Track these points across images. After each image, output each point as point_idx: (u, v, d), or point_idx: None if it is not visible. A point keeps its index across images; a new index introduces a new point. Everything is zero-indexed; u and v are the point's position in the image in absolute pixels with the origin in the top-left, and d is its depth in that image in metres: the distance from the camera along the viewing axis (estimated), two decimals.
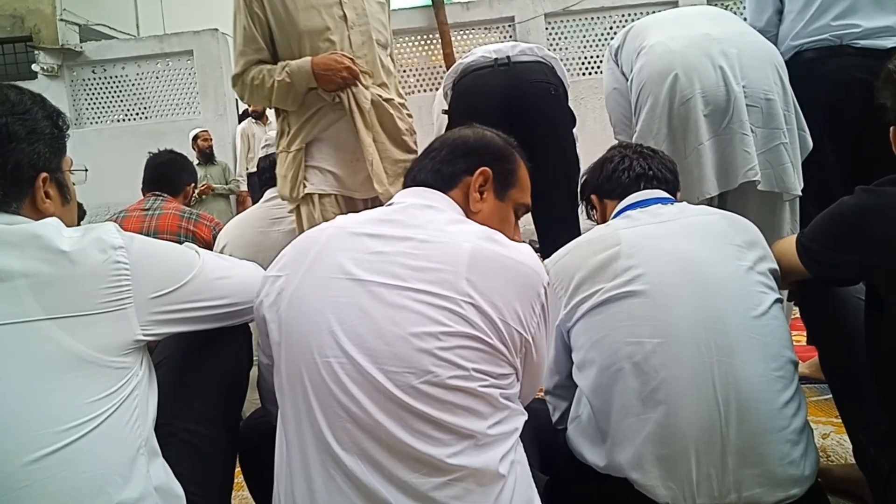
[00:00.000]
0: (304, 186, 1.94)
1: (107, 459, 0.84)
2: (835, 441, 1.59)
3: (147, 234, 2.20)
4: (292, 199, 1.96)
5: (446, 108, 2.27)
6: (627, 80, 1.99)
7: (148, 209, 2.39)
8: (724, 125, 1.79)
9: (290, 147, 1.95)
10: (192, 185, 2.70)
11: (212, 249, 2.35)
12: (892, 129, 1.11)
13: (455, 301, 0.91)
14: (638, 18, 5.81)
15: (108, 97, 6.68)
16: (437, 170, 1.09)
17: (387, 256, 0.94)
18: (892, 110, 1.09)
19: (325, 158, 1.96)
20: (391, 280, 0.92)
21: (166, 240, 2.23)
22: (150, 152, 2.63)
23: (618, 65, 2.08)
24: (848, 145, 1.88)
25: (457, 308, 0.91)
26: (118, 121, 6.68)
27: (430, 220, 1.00)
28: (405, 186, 1.11)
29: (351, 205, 2.02)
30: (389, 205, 1.07)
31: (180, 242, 2.27)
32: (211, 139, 5.96)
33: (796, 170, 1.84)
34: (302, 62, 1.86)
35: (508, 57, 2.13)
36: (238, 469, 1.21)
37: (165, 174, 2.55)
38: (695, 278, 1.08)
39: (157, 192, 2.47)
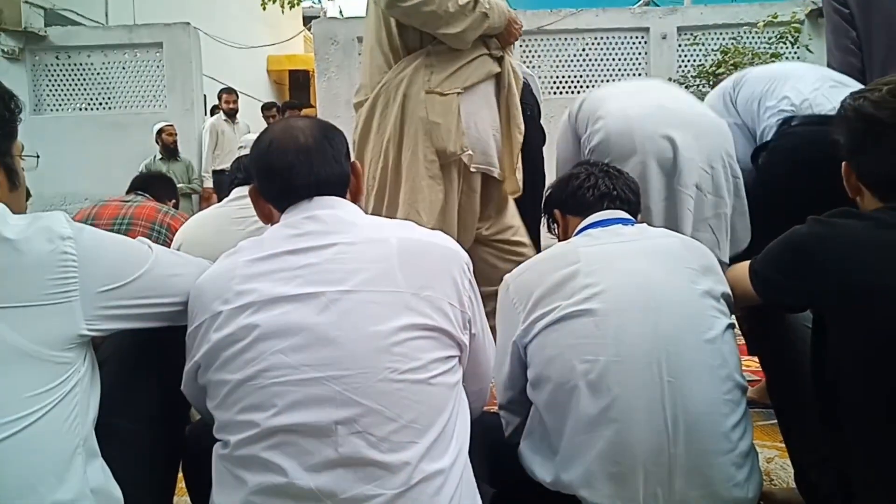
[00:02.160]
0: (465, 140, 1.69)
1: (41, 458, 0.81)
2: (778, 465, 1.63)
3: (122, 219, 2.31)
4: (448, 156, 1.69)
5: None
6: (581, 139, 1.98)
7: (128, 201, 2.47)
8: (672, 186, 1.84)
9: (443, 88, 1.69)
10: (173, 201, 2.77)
11: None
12: (843, 164, 1.15)
13: (396, 294, 0.93)
14: (610, 42, 5.96)
15: (71, 85, 6.51)
16: (337, 174, 1.07)
17: (318, 266, 0.94)
18: (845, 146, 1.13)
19: (472, 116, 1.76)
20: (329, 287, 0.92)
21: (141, 226, 2.31)
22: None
23: (573, 128, 2.05)
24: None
25: (399, 300, 0.93)
26: (80, 109, 6.51)
27: (347, 223, 1.01)
28: (292, 198, 1.04)
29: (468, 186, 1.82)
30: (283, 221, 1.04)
31: (153, 230, 2.33)
32: (176, 134, 5.84)
33: (728, 239, 1.92)
34: (501, 3, 1.75)
35: None
36: (180, 474, 1.18)
37: (152, 184, 2.67)
38: (650, 299, 1.09)
39: (139, 192, 2.56)
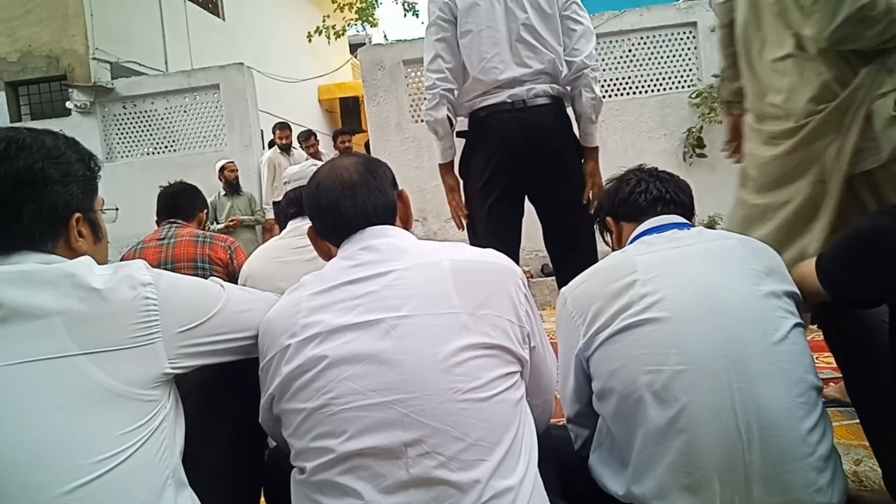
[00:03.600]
0: None
1: (137, 490, 0.86)
2: (868, 466, 1.55)
3: (165, 264, 2.30)
4: None
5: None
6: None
7: (163, 238, 2.44)
8: None
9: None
10: (205, 211, 2.74)
11: (230, 268, 2.41)
12: None
13: (453, 315, 0.95)
14: (656, 40, 5.85)
15: (138, 131, 6.87)
16: (383, 204, 1.10)
17: (376, 294, 0.97)
18: None
19: None
20: (388, 314, 0.95)
21: (184, 267, 2.34)
22: (160, 186, 2.68)
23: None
24: None
25: (457, 322, 0.95)
26: (148, 154, 6.85)
27: (401, 249, 1.04)
28: (343, 232, 1.09)
29: None
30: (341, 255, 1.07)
31: (197, 267, 2.35)
32: (237, 170, 6.07)
33: None
34: None
35: (524, 101, 2.14)
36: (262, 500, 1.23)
37: (178, 203, 2.60)
38: (712, 304, 1.07)
39: (171, 220, 2.53)
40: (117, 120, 6.88)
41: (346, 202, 1.08)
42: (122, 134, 6.88)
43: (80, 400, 0.85)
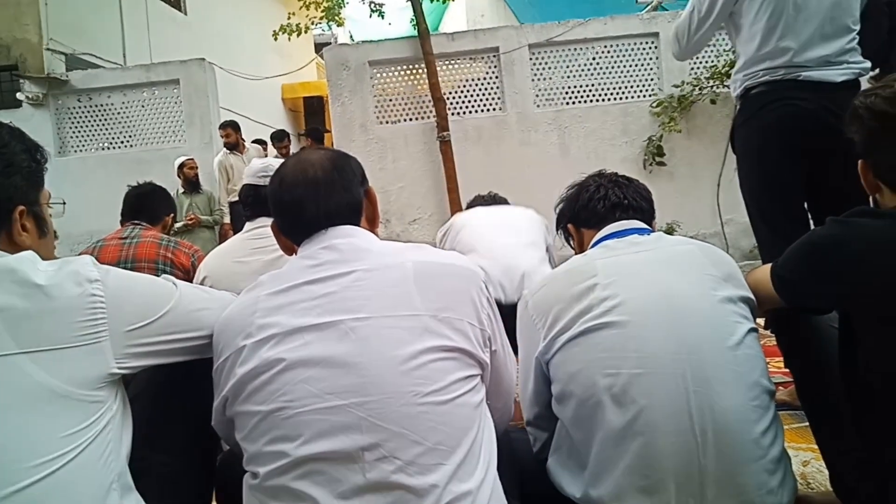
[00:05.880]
0: None
1: (79, 495, 0.83)
2: (815, 468, 1.60)
3: (125, 262, 2.23)
4: None
5: None
6: None
7: (126, 238, 2.38)
8: None
9: None
10: (171, 215, 2.68)
11: (191, 276, 2.35)
12: (860, 162, 1.14)
13: (415, 317, 0.94)
14: (620, 49, 5.95)
15: (93, 126, 6.66)
16: (347, 203, 1.08)
17: (336, 294, 0.95)
18: (860, 145, 1.12)
19: None
20: (347, 315, 0.93)
21: (144, 267, 2.28)
22: (128, 185, 2.62)
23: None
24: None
25: (418, 324, 0.94)
26: (103, 149, 6.64)
27: (363, 250, 1.02)
28: (305, 230, 1.07)
29: None
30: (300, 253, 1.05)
31: (158, 269, 2.28)
32: (197, 167, 5.92)
33: None
34: None
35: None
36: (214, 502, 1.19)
37: (144, 205, 2.55)
38: (670, 308, 1.09)
39: (135, 222, 2.47)
40: (71, 113, 6.66)
41: (308, 201, 1.05)
42: (76, 128, 6.66)
43: (21, 400, 0.81)
